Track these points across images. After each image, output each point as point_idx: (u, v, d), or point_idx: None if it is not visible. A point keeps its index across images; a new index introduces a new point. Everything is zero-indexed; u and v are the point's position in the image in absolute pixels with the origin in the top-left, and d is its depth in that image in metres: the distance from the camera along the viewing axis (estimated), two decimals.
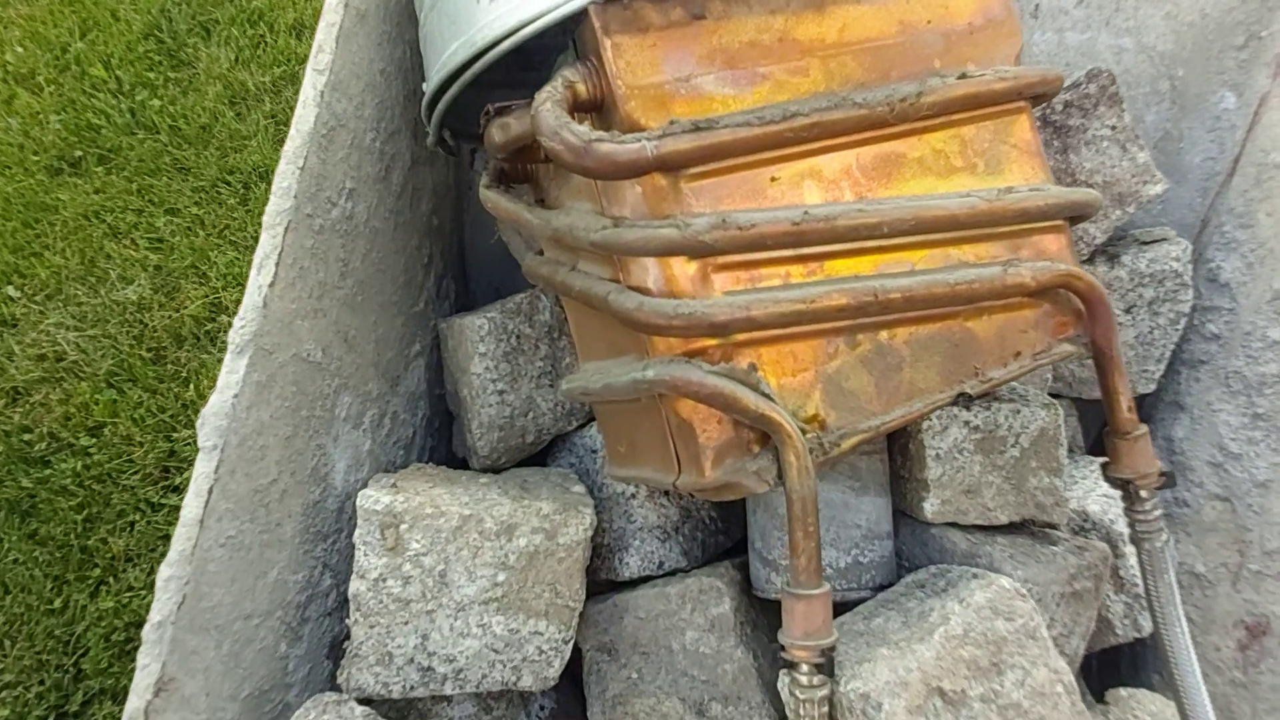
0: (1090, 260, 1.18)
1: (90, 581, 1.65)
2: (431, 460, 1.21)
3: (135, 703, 0.75)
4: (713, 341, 0.72)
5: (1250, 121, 1.20)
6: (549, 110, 0.69)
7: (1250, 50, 1.21)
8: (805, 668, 0.70)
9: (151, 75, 2.30)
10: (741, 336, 0.72)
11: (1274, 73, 1.17)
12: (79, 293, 1.96)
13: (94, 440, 1.77)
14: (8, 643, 1.58)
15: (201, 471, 0.81)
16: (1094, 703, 1.01)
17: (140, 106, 2.25)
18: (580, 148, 0.67)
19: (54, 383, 1.84)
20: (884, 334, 0.78)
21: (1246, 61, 1.21)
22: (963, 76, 0.83)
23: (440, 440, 1.24)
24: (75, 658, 1.58)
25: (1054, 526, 1.01)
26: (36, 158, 2.15)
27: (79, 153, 2.16)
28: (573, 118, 0.72)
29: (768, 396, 0.70)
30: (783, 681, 0.72)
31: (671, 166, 0.71)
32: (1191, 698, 0.85)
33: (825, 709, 0.70)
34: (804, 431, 0.73)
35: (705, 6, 0.75)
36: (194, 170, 2.16)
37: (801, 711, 0.70)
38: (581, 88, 0.72)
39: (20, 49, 2.34)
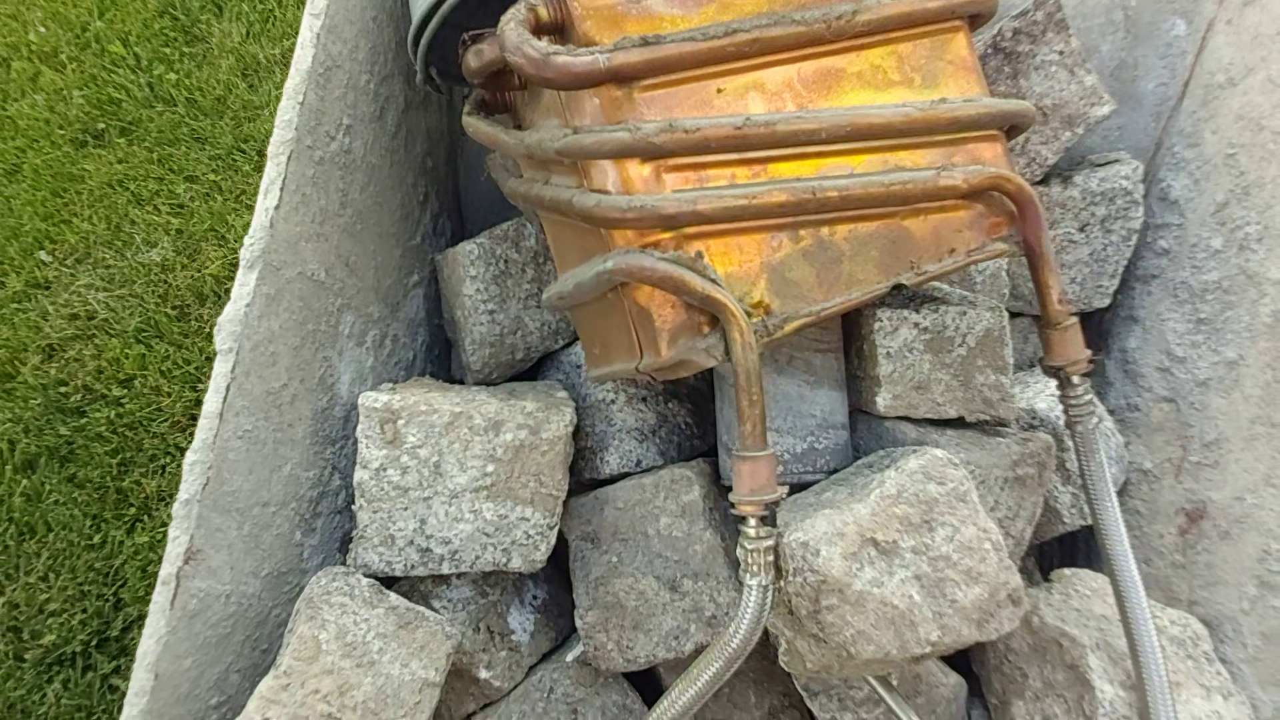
0: (1044, 181, 1.25)
1: (126, 519, 1.77)
2: None
3: (168, 569, 0.86)
4: (665, 234, 0.80)
5: (1199, 46, 1.26)
6: (512, 29, 0.77)
7: None
8: (753, 521, 0.79)
9: (168, 51, 2.40)
10: (691, 229, 0.80)
11: None
12: (106, 256, 2.08)
13: (125, 391, 1.89)
14: (52, 575, 1.71)
15: (220, 371, 0.91)
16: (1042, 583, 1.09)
17: (158, 80, 2.35)
18: (539, 60, 0.76)
19: (86, 339, 1.96)
20: (825, 230, 0.87)
21: None
22: None
23: (440, 366, 1.34)
24: (115, 588, 1.71)
25: (1004, 424, 1.09)
26: (62, 131, 2.26)
27: (102, 125, 2.27)
28: (536, 38, 0.81)
29: (713, 280, 0.79)
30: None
31: (623, 78, 0.79)
32: (1120, 565, 0.93)
33: (771, 558, 0.79)
34: (749, 315, 0.81)
35: None
36: (211, 140, 2.27)
37: (750, 560, 0.79)
38: (543, 10, 0.80)
39: (43, 29, 2.45)
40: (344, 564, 1.02)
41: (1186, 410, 1.15)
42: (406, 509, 0.97)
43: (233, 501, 0.92)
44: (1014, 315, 1.31)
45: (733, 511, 0.80)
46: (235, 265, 2.15)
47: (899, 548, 0.82)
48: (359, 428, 0.97)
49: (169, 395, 1.89)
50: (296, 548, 1.01)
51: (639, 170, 0.80)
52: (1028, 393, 1.16)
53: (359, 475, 0.96)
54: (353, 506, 0.98)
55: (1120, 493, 1.21)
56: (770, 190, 0.82)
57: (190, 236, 2.12)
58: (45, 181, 2.18)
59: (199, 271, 2.06)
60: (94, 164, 2.21)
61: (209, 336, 1.97)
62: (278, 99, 0.97)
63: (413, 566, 0.97)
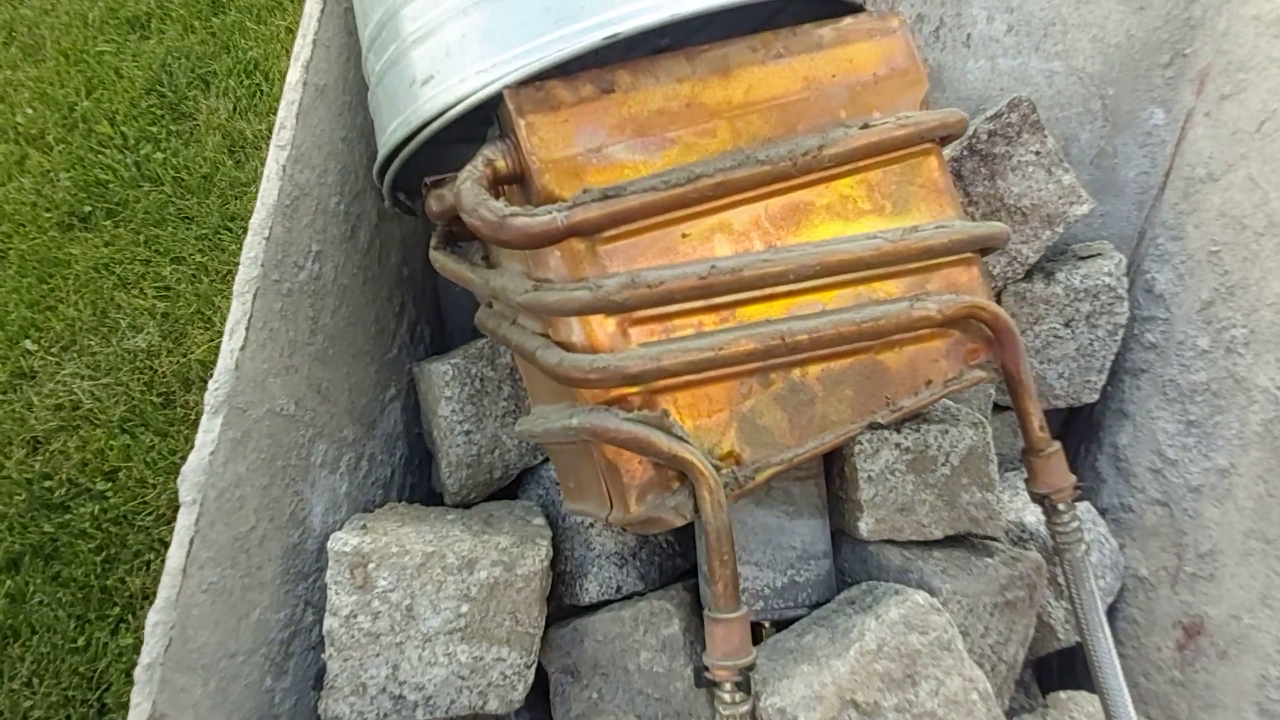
0: (1028, 278, 1.23)
1: (111, 619, 1.74)
2: (413, 495, 1.28)
3: None
4: (631, 390, 0.78)
5: (1178, 136, 1.25)
6: (469, 189, 0.76)
7: (1175, 68, 1.25)
8: (728, 686, 0.76)
9: (155, 129, 2.41)
10: (658, 384, 0.78)
11: (1198, 89, 1.22)
12: (92, 343, 2.07)
13: (110, 484, 1.87)
14: (36, 681, 1.68)
15: (183, 524, 0.89)
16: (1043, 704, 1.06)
17: (145, 160, 2.36)
18: (495, 222, 0.74)
19: (71, 431, 1.94)
20: (796, 372, 0.85)
21: (1172, 78, 1.26)
22: (865, 126, 0.89)
23: (421, 477, 1.31)
24: (99, 693, 1.68)
25: (993, 539, 1.06)
26: (49, 215, 2.26)
27: (88, 208, 2.27)
28: (497, 190, 0.80)
29: (680, 438, 0.77)
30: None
31: (584, 232, 0.77)
32: (1114, 699, 0.90)
33: None
34: (719, 468, 0.79)
35: (614, 80, 0.81)
36: (197, 219, 2.27)
37: None
38: (501, 163, 0.79)
39: (30, 110, 2.46)
40: (316, 709, 0.99)
41: (1180, 516, 1.12)
42: (378, 655, 0.94)
43: (198, 659, 0.89)
44: (1003, 409, 1.29)
45: (706, 675, 0.77)
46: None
47: (881, 708, 0.79)
48: (328, 573, 0.95)
49: (154, 487, 1.86)
50: (267, 694, 0.98)
51: (603, 325, 0.78)
52: (1016, 502, 1.14)
53: (328, 623, 0.94)
54: (323, 652, 0.95)
55: (1116, 600, 1.18)
56: (738, 338, 0.80)
57: (176, 320, 2.11)
58: (31, 268, 2.17)
59: (185, 356, 2.05)
60: (80, 248, 2.21)
61: (194, 424, 1.95)
62: (263, 175, 0.97)
63: (385, 715, 0.94)
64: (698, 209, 0.82)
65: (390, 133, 0.89)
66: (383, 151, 0.92)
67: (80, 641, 1.71)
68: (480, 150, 0.79)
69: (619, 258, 0.80)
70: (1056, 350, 1.25)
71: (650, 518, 0.79)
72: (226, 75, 2.52)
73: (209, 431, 0.92)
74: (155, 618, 0.86)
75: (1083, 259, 1.24)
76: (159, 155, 2.36)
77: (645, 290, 0.77)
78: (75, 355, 2.06)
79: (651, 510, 0.79)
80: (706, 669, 0.77)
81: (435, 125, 0.82)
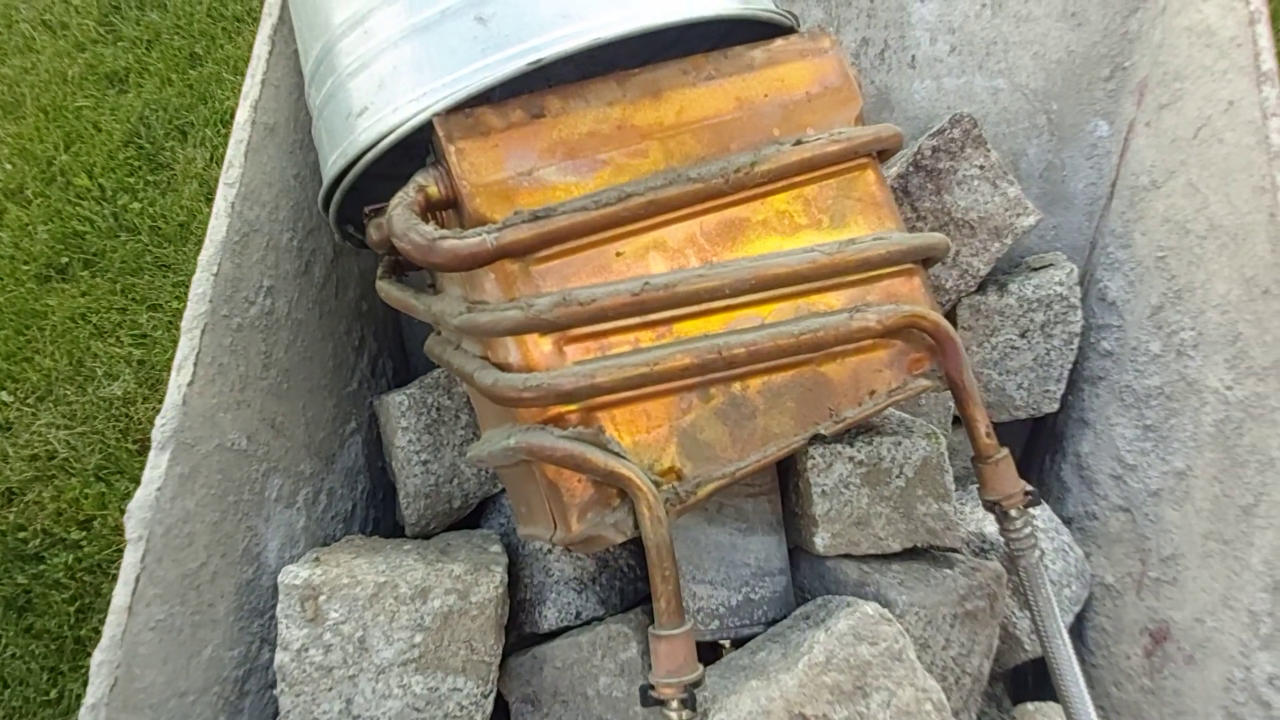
0: (981, 290, 1.24)
1: (84, 671, 1.71)
2: (376, 529, 1.28)
3: None
4: (568, 408, 0.78)
5: (1122, 147, 1.27)
6: (400, 214, 0.77)
7: (1116, 80, 1.28)
8: (675, 704, 0.75)
9: (132, 180, 2.44)
10: (594, 401, 0.79)
11: (1138, 100, 1.24)
12: (68, 392, 2.07)
13: (84, 534, 1.86)
14: None
15: (129, 562, 0.88)
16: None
17: (122, 210, 2.38)
18: (425, 245, 0.75)
19: (46, 480, 1.94)
20: (737, 385, 0.85)
21: (1114, 91, 1.28)
22: (798, 143, 0.90)
23: (385, 511, 1.31)
24: None
25: (955, 550, 1.06)
26: (26, 267, 2.28)
27: (65, 259, 2.29)
28: (431, 216, 0.81)
29: (617, 454, 0.77)
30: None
31: (515, 253, 0.78)
32: (1075, 705, 0.89)
33: None
34: (660, 483, 0.79)
35: (543, 106, 0.83)
36: (174, 266, 2.28)
37: None
38: (434, 189, 0.80)
39: (9, 165, 2.49)
40: None
41: (1142, 522, 1.11)
42: (331, 689, 0.93)
43: (145, 698, 0.88)
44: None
45: (651, 693, 0.76)
46: None
47: None
48: (279, 607, 0.94)
49: None
50: None
51: (539, 344, 0.79)
52: (976, 513, 1.13)
53: (279, 658, 0.93)
54: (274, 692, 0.94)
55: (1084, 609, 1.17)
56: (673, 354, 0.80)
57: (153, 367, 2.11)
58: (8, 320, 2.18)
59: (160, 403, 2.05)
60: (57, 299, 2.22)
61: None
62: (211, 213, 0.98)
63: None
64: (631, 228, 0.83)
65: (331, 164, 0.90)
66: (325, 183, 0.93)
67: (53, 694, 1.69)
68: (413, 177, 0.80)
69: (552, 278, 0.80)
70: (1014, 361, 1.25)
71: (591, 535, 0.79)
72: (204, 125, 2.55)
73: (155, 468, 0.92)
74: (100, 657, 0.85)
75: (1035, 270, 1.25)
76: (136, 205, 2.38)
77: (578, 308, 0.78)
78: (51, 405, 2.06)
79: (592, 528, 0.78)
80: (653, 688, 0.76)
81: (370, 155, 0.83)
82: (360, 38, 0.85)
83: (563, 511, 0.79)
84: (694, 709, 0.75)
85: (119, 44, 2.76)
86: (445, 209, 0.82)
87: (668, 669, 0.75)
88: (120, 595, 0.87)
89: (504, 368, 0.80)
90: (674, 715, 0.75)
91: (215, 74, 2.66)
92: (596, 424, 0.78)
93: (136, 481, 1.93)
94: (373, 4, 0.84)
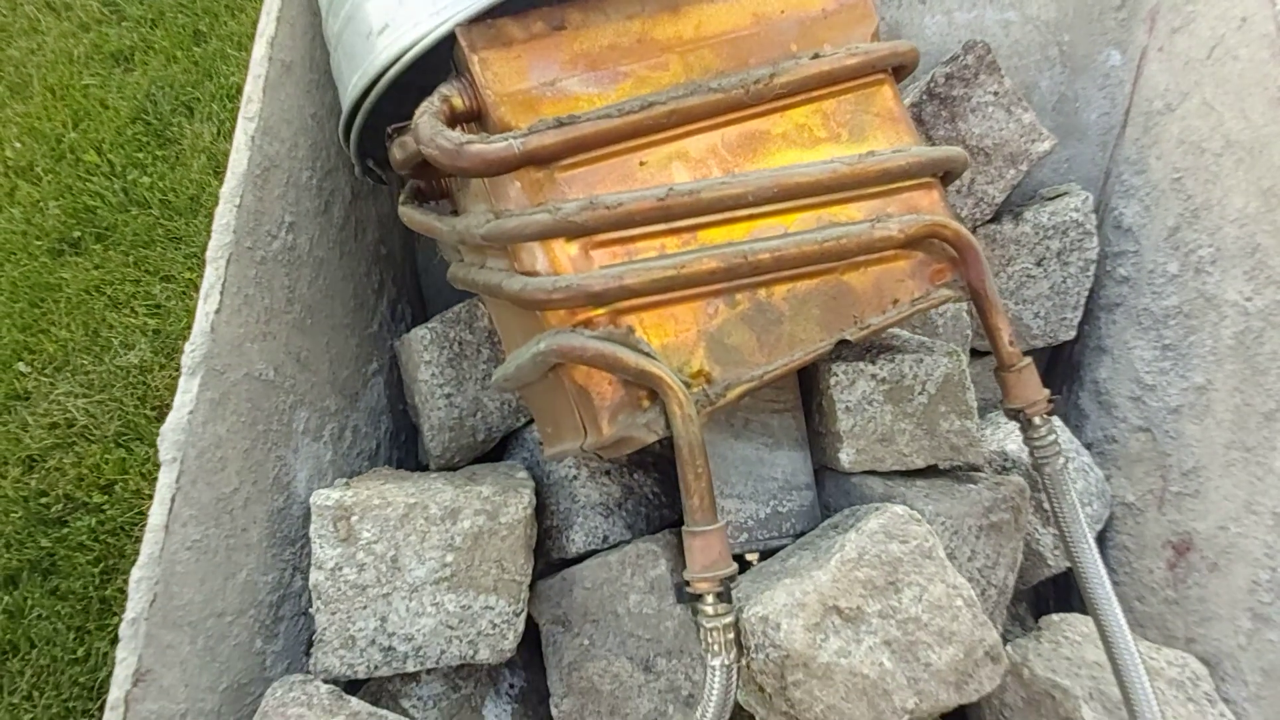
0: (996, 219, 1.25)
1: (110, 629, 1.73)
2: (399, 468, 1.29)
3: (115, 693, 0.83)
4: (596, 311, 0.79)
5: (1135, 75, 1.27)
6: (426, 122, 0.78)
7: (1127, 9, 1.28)
8: (709, 598, 0.76)
9: (141, 155, 2.45)
10: (622, 304, 0.79)
11: (1149, 26, 1.24)
12: (85, 362, 2.08)
13: (106, 498, 1.87)
14: (36, 694, 1.67)
15: (164, 482, 0.89)
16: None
17: (132, 185, 2.39)
18: (453, 150, 0.76)
19: (66, 448, 1.95)
20: (762, 292, 0.86)
21: (1125, 20, 1.28)
22: (815, 56, 0.91)
23: (408, 453, 1.32)
24: (100, 703, 1.66)
25: (977, 468, 1.06)
26: (39, 242, 2.29)
27: (77, 234, 2.30)
28: (454, 127, 0.81)
29: (647, 354, 0.78)
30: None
31: (540, 160, 0.79)
32: (1101, 606, 0.90)
33: (731, 635, 0.76)
34: (690, 385, 0.80)
35: (564, 18, 0.84)
36: (185, 238, 2.29)
37: (710, 639, 0.76)
38: (458, 100, 0.81)
39: (19, 144, 2.50)
40: (307, 669, 0.99)
41: (1162, 439, 1.12)
42: (365, 607, 0.94)
43: (184, 615, 0.89)
44: (981, 354, 1.30)
45: (687, 589, 0.77)
46: None
47: (864, 613, 0.79)
48: (312, 527, 0.95)
49: (149, 498, 1.85)
50: (258, 656, 0.98)
51: (566, 249, 0.80)
52: (998, 434, 1.14)
53: (314, 577, 0.94)
54: (311, 610, 0.95)
55: (1106, 528, 1.18)
56: (700, 258, 0.81)
57: (167, 336, 2.12)
58: (23, 293, 2.19)
59: (176, 371, 2.06)
60: (71, 272, 2.23)
61: None
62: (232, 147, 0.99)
63: (376, 667, 0.94)
64: (654, 138, 0.84)
65: (351, 86, 0.91)
66: (346, 107, 0.94)
67: (80, 652, 1.70)
68: (437, 89, 0.81)
69: (577, 184, 0.81)
70: (1030, 290, 1.26)
71: (623, 437, 0.79)
72: (210, 100, 2.56)
73: (187, 392, 0.93)
74: (139, 574, 0.86)
75: (1050, 199, 1.26)
76: (145, 180, 2.39)
77: (604, 212, 0.78)
78: (69, 375, 2.07)
79: (624, 430, 0.79)
80: (688, 584, 0.77)
81: (393, 71, 0.84)
82: None
83: (593, 415, 0.80)
84: (729, 601, 0.76)
85: (123, 23, 2.77)
86: (469, 121, 0.83)
87: (703, 564, 0.76)
88: (156, 515, 0.89)
89: (530, 275, 0.81)
90: (709, 608, 0.76)
91: (220, 50, 2.67)
92: (625, 325, 0.79)
93: (154, 446, 1.94)
94: None
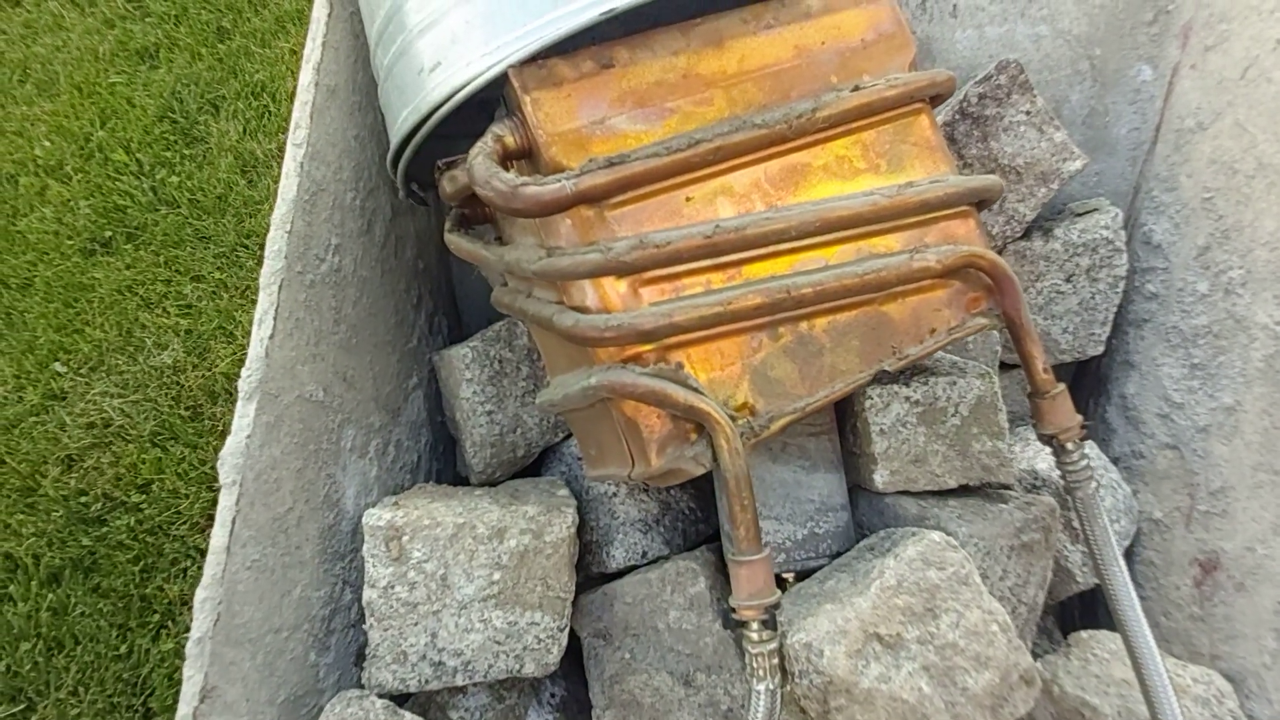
0: (1026, 236, 1.26)
1: (151, 626, 1.78)
2: (439, 480, 1.32)
3: (184, 710, 0.87)
4: (645, 347, 0.82)
5: (1166, 90, 1.28)
6: (481, 163, 0.80)
7: (1160, 24, 1.28)
8: (755, 625, 0.79)
9: (169, 154, 2.48)
10: (670, 340, 0.82)
11: (1182, 43, 1.25)
12: (120, 362, 2.13)
13: (144, 497, 1.92)
14: (82, 689, 1.72)
15: (225, 505, 0.93)
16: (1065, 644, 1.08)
17: (161, 184, 2.42)
18: (508, 192, 0.78)
19: (104, 447, 2.00)
20: (804, 324, 0.88)
21: (1158, 35, 1.29)
22: (856, 89, 0.92)
23: (446, 463, 1.35)
24: (143, 698, 1.72)
25: (1007, 487, 1.09)
26: (71, 242, 2.33)
27: (109, 233, 2.33)
28: (506, 165, 0.84)
29: (695, 389, 0.80)
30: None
31: (592, 199, 0.81)
32: (1133, 628, 0.92)
33: (776, 660, 0.79)
34: (735, 418, 0.82)
35: (612, 56, 0.85)
36: (214, 238, 2.32)
37: (755, 665, 0.79)
38: (510, 139, 0.83)
39: (48, 143, 2.53)
40: (360, 681, 1.03)
41: (1190, 457, 1.14)
42: (417, 624, 0.98)
43: (245, 633, 0.93)
44: (1010, 367, 1.32)
45: (733, 616, 0.80)
46: (244, 361, 2.20)
47: (904, 640, 0.82)
48: (365, 547, 0.98)
49: (187, 497, 1.91)
50: (312, 669, 1.02)
51: (615, 287, 0.82)
52: (1028, 451, 1.16)
53: (367, 595, 0.98)
54: (364, 625, 0.99)
55: (1133, 544, 1.20)
56: (745, 293, 0.83)
57: (199, 336, 2.16)
58: (57, 293, 2.23)
59: (209, 370, 2.10)
60: (103, 272, 2.27)
61: (223, 434, 2.00)
62: (276, 192, 1.02)
63: (427, 681, 0.98)
64: (699, 173, 0.86)
65: (402, 121, 0.93)
66: (395, 140, 0.96)
67: (123, 649, 1.75)
68: (489, 128, 0.83)
69: (627, 222, 0.83)
70: (1059, 305, 1.27)
71: (671, 469, 0.82)
72: (235, 98, 2.58)
73: (244, 416, 0.96)
74: (203, 594, 0.90)
75: (1080, 215, 1.27)
76: (174, 179, 2.42)
77: (654, 250, 0.80)
78: (104, 375, 2.11)
79: (672, 462, 0.82)
80: (733, 610, 0.80)
81: (444, 109, 0.86)
82: None
83: (642, 447, 0.83)
84: (774, 629, 0.79)
85: (147, 20, 2.79)
86: (520, 159, 0.85)
87: (749, 592, 0.79)
88: (218, 537, 0.92)
89: (581, 310, 0.83)
90: (755, 635, 0.79)
91: (244, 47, 2.68)
92: (674, 362, 0.81)
93: (191, 446, 1.98)
94: None
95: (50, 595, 1.80)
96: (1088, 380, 1.38)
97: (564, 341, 0.92)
